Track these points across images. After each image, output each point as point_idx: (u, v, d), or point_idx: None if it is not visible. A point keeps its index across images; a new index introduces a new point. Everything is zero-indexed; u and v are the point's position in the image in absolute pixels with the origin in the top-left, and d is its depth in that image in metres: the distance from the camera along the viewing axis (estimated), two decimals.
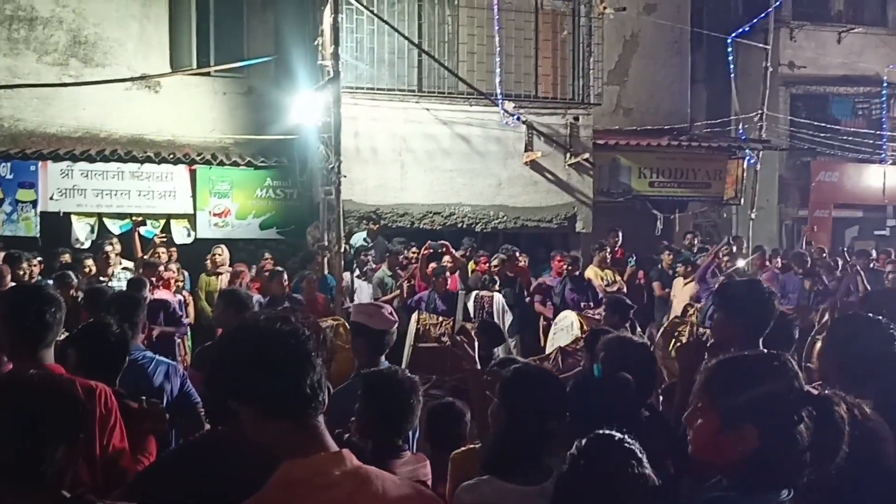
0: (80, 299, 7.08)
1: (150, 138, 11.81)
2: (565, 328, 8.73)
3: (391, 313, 4.12)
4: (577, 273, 10.14)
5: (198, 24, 12.11)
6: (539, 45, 12.51)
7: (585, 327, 7.87)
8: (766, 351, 2.12)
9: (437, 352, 8.22)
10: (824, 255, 13.10)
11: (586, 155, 12.49)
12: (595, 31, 12.75)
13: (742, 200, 15.19)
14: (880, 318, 3.28)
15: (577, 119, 12.60)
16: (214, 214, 11.59)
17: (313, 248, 10.80)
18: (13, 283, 7.21)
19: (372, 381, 3.27)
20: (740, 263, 12.51)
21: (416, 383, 3.29)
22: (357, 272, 10.12)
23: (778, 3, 16.81)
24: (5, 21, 11.45)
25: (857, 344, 3.14)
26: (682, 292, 10.48)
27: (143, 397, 3.23)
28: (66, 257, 9.61)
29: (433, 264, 9.93)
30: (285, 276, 9.00)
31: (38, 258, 8.91)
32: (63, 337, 3.38)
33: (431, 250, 10.17)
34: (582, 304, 9.59)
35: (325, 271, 10.21)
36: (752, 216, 15.47)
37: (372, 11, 11.30)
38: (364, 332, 4.00)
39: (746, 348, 3.40)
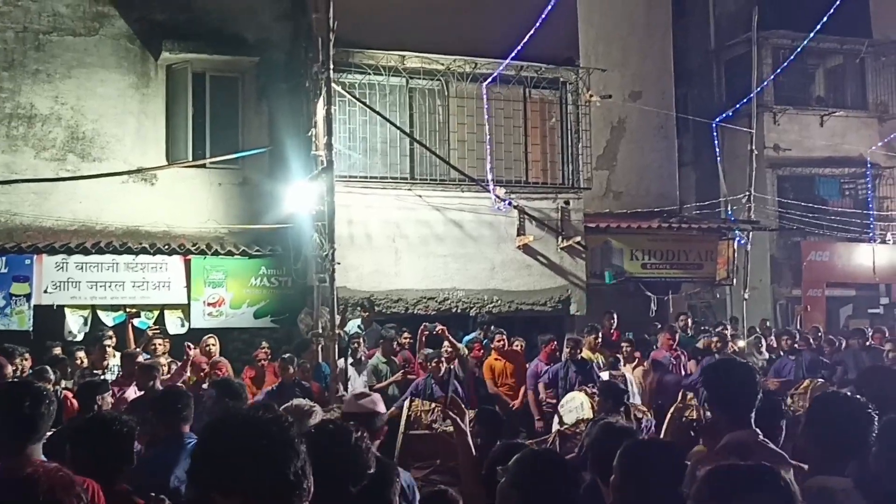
0: (59, 393, 7.02)
1: (146, 230, 11.91)
2: (574, 409, 8.60)
3: (378, 403, 4.19)
4: (579, 357, 10.07)
5: (194, 118, 12.31)
6: (528, 132, 12.82)
7: (596, 408, 7.77)
8: (756, 465, 2.12)
9: (428, 439, 8.12)
10: (819, 334, 13.12)
11: (578, 238, 12.64)
12: (583, 117, 13.10)
13: (734, 281, 15.30)
14: (858, 397, 3.30)
15: (567, 203, 12.80)
16: (209, 304, 11.56)
17: (307, 336, 10.77)
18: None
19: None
20: (741, 344, 12.53)
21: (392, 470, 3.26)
22: (351, 360, 10.07)
23: (759, 90, 17.31)
24: (4, 119, 11.69)
25: (835, 423, 3.15)
26: (631, 376, 10.38)
27: (152, 494, 3.17)
28: (58, 350, 9.55)
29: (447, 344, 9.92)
30: (295, 362, 9.01)
31: (27, 352, 8.81)
32: (53, 431, 3.34)
33: (428, 332, 10.16)
34: (589, 385, 9.47)
35: (320, 359, 10.16)
36: (746, 296, 15.56)
37: (364, 103, 11.62)
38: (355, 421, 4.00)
39: (734, 427, 3.41)
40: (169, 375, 8.52)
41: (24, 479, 2.75)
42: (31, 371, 8.04)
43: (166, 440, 4.34)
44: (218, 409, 5.31)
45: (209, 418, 5.32)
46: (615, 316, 12.04)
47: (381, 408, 4.16)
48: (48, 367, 7.93)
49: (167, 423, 4.44)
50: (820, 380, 9.68)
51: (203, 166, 12.18)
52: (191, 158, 12.15)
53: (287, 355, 9.19)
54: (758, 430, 3.48)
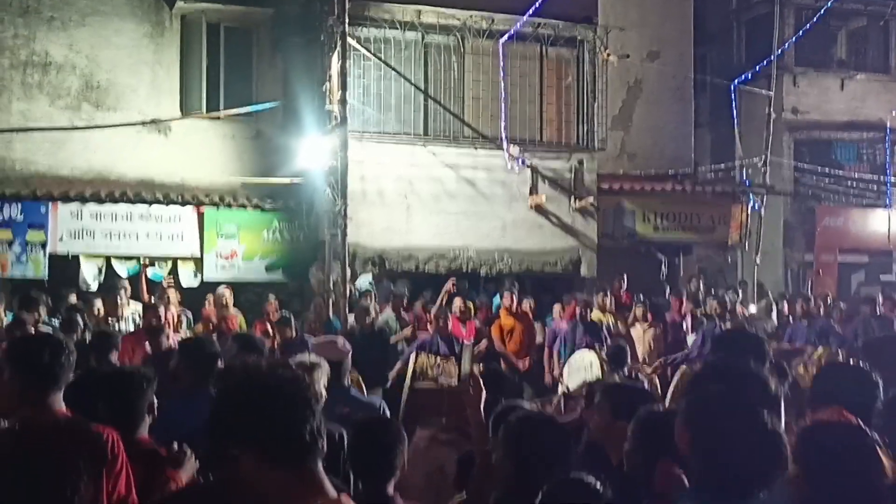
0: (87, 341, 7.14)
1: (160, 181, 11.96)
2: (584, 368, 8.61)
3: (343, 344, 4.92)
4: (589, 318, 10.14)
5: (208, 70, 12.28)
6: (544, 91, 12.73)
7: (606, 368, 7.83)
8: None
9: (433, 392, 8.25)
10: (829, 300, 13.12)
11: (591, 199, 12.62)
12: (599, 77, 12.98)
13: (747, 245, 15.26)
14: (864, 367, 3.34)
15: (581, 163, 12.76)
16: (221, 256, 11.66)
17: (317, 291, 10.87)
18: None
19: (356, 430, 3.31)
20: (752, 309, 12.56)
21: (399, 429, 3.33)
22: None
23: (780, 51, 17.05)
24: (20, 66, 11.70)
25: (841, 393, 3.20)
26: (642, 338, 10.44)
27: (175, 442, 3.26)
28: (73, 298, 9.71)
29: (458, 301, 9.97)
30: (292, 322, 9.05)
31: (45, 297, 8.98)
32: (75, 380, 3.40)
33: (456, 288, 10.14)
34: (596, 346, 9.54)
35: (330, 313, 10.27)
36: (757, 261, 15.53)
37: (379, 58, 11.55)
38: None
39: None
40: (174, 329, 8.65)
41: (44, 428, 2.84)
42: (58, 317, 8.18)
43: (191, 390, 4.42)
44: (236, 363, 5.37)
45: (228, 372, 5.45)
46: (625, 277, 12.09)
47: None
48: (76, 316, 8.04)
49: (195, 372, 4.50)
50: (835, 349, 9.65)
51: (217, 119, 12.16)
52: (205, 110, 12.14)
53: (284, 313, 9.21)
54: None
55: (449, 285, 10.11)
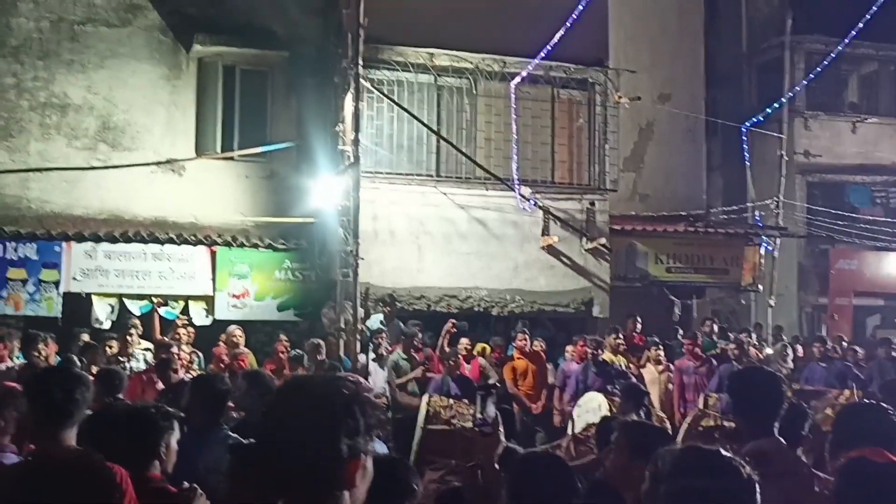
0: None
1: (173, 220, 12.05)
2: (592, 410, 8.58)
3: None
4: (601, 359, 10.08)
5: (223, 111, 12.45)
6: (556, 133, 12.82)
7: (615, 410, 7.77)
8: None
9: (446, 434, 8.17)
10: (844, 343, 13.01)
11: (603, 240, 12.62)
12: (611, 119, 13.07)
13: (760, 287, 15.18)
14: (887, 408, 3.30)
15: (593, 204, 12.78)
16: (233, 295, 11.68)
17: (329, 330, 10.86)
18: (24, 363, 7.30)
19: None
20: (767, 351, 12.45)
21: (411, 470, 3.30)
22: (373, 355, 10.15)
23: (792, 94, 17.14)
24: (38, 107, 11.89)
25: (861, 435, 3.15)
26: (656, 380, 10.36)
27: (185, 483, 3.24)
28: (86, 337, 9.73)
29: (465, 341, 9.94)
30: (305, 360, 9.07)
31: (51, 336, 8.91)
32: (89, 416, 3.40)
33: (456, 329, 10.17)
34: (608, 388, 9.47)
35: (342, 353, 10.25)
36: (772, 303, 15.45)
37: (392, 99, 11.68)
38: None
39: (756, 435, 3.43)
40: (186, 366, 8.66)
41: (55, 463, 2.84)
42: (65, 357, 8.19)
43: (202, 427, 4.40)
44: (247, 402, 5.34)
45: (238, 411, 5.41)
46: (638, 319, 12.02)
47: None
48: (74, 357, 8.05)
49: (206, 410, 4.48)
50: (859, 391, 9.55)
51: (231, 159, 12.30)
52: (219, 150, 12.29)
53: (296, 353, 9.25)
54: (781, 438, 3.48)
55: (448, 326, 10.12)
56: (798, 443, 3.83)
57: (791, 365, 12.41)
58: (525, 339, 10.41)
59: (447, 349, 9.87)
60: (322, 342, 9.56)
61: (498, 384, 9.41)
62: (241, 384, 5.39)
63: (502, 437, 4.16)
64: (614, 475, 3.31)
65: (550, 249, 12.45)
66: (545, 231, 12.43)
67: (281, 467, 1.76)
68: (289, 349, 9.74)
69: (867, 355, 12.65)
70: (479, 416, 8.12)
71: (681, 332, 12.22)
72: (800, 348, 13.02)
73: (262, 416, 1.88)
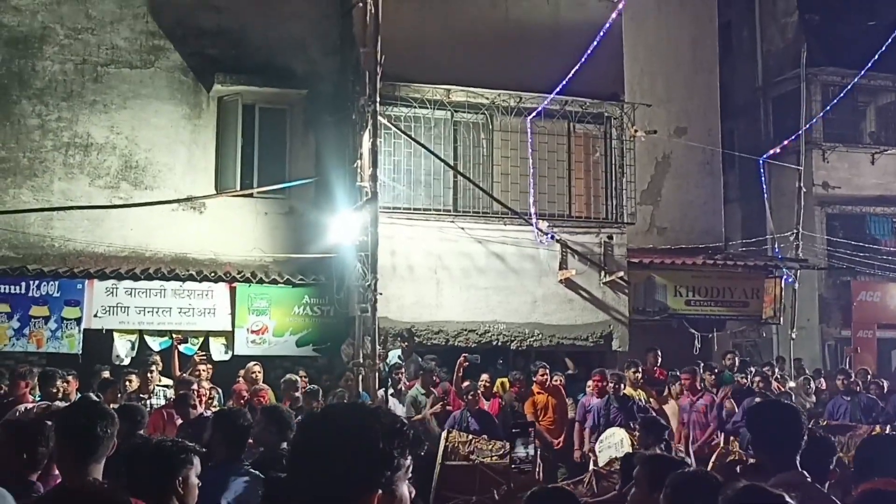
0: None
1: (193, 257, 12.17)
2: (614, 445, 8.58)
3: None
4: (622, 393, 10.01)
5: (243, 148, 12.58)
6: (572, 166, 12.88)
7: (637, 445, 7.74)
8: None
9: (465, 470, 8.14)
10: (868, 377, 12.85)
11: (621, 273, 12.60)
12: (627, 152, 13.12)
13: (781, 320, 15.06)
14: None
15: (611, 238, 12.79)
16: (252, 331, 11.74)
17: (348, 366, 10.88)
18: (42, 402, 7.35)
19: None
20: (790, 385, 12.34)
21: None
22: (392, 390, 10.16)
23: (808, 126, 17.16)
24: (62, 147, 12.12)
25: (880, 464, 3.14)
26: (677, 415, 10.33)
27: None
28: (106, 374, 9.81)
29: (485, 377, 9.95)
30: (320, 394, 9.08)
31: (72, 373, 8.99)
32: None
33: (468, 363, 10.19)
34: (630, 423, 9.42)
35: (360, 389, 10.25)
36: (793, 336, 15.31)
37: (409, 136, 11.80)
38: None
39: (779, 469, 3.41)
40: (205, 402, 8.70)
41: (76, 497, 2.87)
42: (86, 394, 8.25)
43: (223, 462, 4.43)
44: (265, 437, 5.38)
45: (258, 446, 5.44)
46: (658, 352, 11.95)
47: None
48: (91, 394, 8.12)
49: (228, 445, 4.52)
50: (888, 426, 9.45)
51: (251, 195, 12.43)
52: (239, 188, 12.42)
53: (312, 387, 9.27)
54: (805, 471, 3.46)
55: (461, 360, 10.13)
56: (824, 477, 3.80)
57: (814, 399, 12.30)
58: (545, 374, 10.38)
59: (463, 384, 9.86)
60: (297, 378, 9.56)
61: (535, 423, 9.39)
62: (260, 419, 5.43)
63: (539, 475, 4.17)
64: None
65: (568, 283, 12.44)
66: (563, 265, 12.44)
67: (311, 498, 1.77)
68: (308, 384, 9.76)
69: (891, 388, 12.49)
70: (516, 453, 8.08)
71: (701, 364, 12.06)
72: (822, 381, 12.88)
73: (291, 446, 1.92)
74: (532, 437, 8.46)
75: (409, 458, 1.84)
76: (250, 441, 5.35)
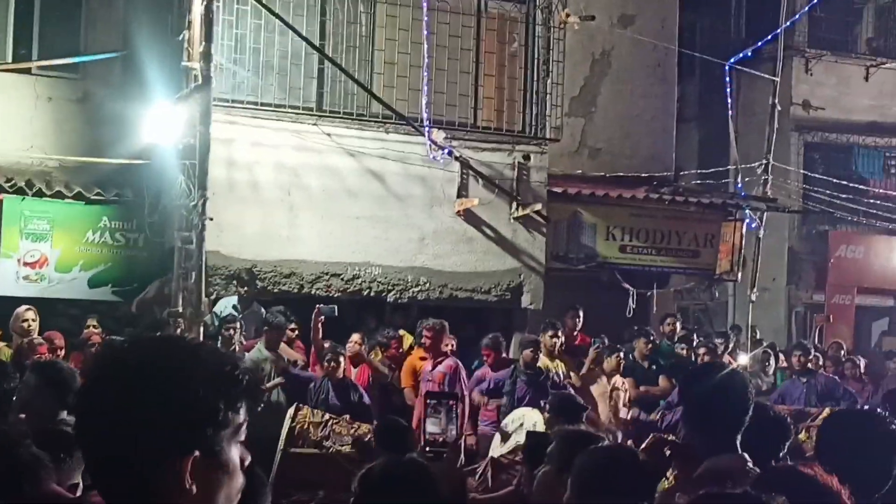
0: None
1: None
2: (522, 430, 8.79)
3: None
4: (535, 362, 10.28)
5: (17, 5, 12.27)
6: (481, 59, 12.93)
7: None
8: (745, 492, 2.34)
9: (313, 460, 8.25)
10: (843, 352, 13.60)
11: (538, 206, 12.83)
12: (555, 44, 13.25)
13: (740, 277, 15.67)
14: (875, 413, 3.54)
15: (527, 158, 12.97)
16: (26, 264, 11.59)
17: (162, 316, 10.78)
18: None
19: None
20: (743, 360, 12.93)
21: None
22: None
23: (789, 23, 17.65)
24: None
25: (851, 450, 3.38)
26: (605, 395, 10.90)
27: None
28: None
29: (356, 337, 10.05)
30: None
31: None
32: None
33: (324, 317, 10.26)
34: (541, 402, 9.68)
35: None
36: (753, 298, 15.96)
37: (259, 1, 11.55)
38: None
39: (713, 451, 3.62)
40: None
41: None
42: None
43: None
44: (39, 403, 5.30)
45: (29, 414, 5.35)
46: (581, 313, 12.30)
47: None
48: None
49: None
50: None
51: (28, 72, 12.17)
52: (10, 59, 12.12)
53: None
54: (746, 454, 3.67)
55: (316, 312, 10.24)
56: (772, 461, 4.04)
57: (772, 378, 12.96)
58: (432, 334, 10.52)
59: (325, 345, 9.92)
60: (38, 338, 9.43)
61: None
62: (28, 378, 5.41)
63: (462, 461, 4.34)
64: (542, 493, 3.45)
65: (468, 216, 12.59)
66: (462, 191, 12.57)
67: (96, 459, 1.82)
68: (103, 338, 9.65)
69: (873, 369, 13.30)
70: (428, 429, 8.22)
71: (636, 329, 12.49)
72: (781, 358, 13.54)
73: (79, 394, 1.92)
74: (455, 413, 8.60)
75: (243, 412, 1.85)
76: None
